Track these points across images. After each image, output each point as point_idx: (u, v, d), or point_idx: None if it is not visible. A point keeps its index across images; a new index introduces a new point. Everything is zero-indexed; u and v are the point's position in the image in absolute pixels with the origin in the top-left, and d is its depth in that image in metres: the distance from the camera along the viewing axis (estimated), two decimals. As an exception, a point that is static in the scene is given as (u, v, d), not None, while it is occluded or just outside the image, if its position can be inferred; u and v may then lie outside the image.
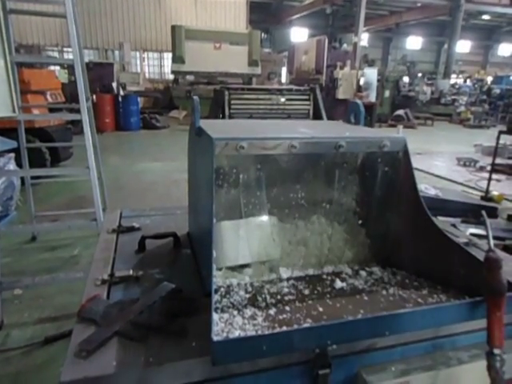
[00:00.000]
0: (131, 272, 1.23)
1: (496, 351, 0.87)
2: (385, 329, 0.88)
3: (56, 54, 17.95)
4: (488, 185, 6.13)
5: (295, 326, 0.90)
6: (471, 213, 5.10)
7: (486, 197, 6.02)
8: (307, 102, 5.26)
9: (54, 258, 3.93)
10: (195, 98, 1.18)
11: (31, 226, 4.19)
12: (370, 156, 1.29)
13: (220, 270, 1.20)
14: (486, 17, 25.84)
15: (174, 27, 14.55)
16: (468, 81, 23.27)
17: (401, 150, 1.19)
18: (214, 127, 1.18)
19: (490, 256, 0.89)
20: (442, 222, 1.82)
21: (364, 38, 23.12)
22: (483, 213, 0.93)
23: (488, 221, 0.92)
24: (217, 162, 1.08)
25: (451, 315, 0.94)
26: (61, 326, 2.74)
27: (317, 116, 5.04)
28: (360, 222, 1.34)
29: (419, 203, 1.16)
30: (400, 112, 15.73)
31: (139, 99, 13.46)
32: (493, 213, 5.25)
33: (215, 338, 0.76)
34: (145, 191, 6.15)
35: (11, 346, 2.59)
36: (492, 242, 0.90)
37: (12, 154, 4.57)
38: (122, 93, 13.00)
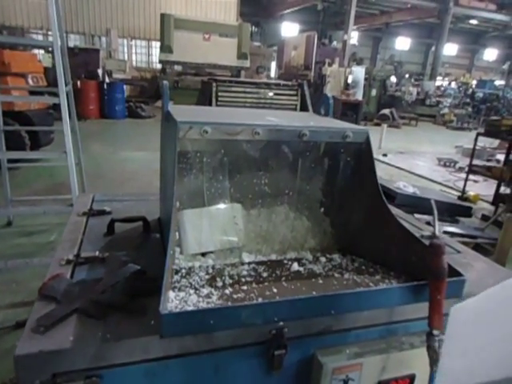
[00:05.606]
0: (97, 253, 1.23)
1: (435, 332, 0.92)
2: (330, 308, 0.91)
3: (40, 37, 17.46)
4: (464, 185, 6.29)
5: (244, 303, 0.93)
6: (447, 212, 5.25)
7: (463, 197, 6.19)
8: (295, 98, 5.26)
9: (30, 243, 3.88)
10: (165, 82, 1.19)
11: (5, 210, 4.12)
12: (334, 146, 1.31)
13: (184, 253, 1.22)
14: (473, 21, 26.25)
15: (162, 15, 14.29)
16: (453, 84, 23.69)
17: (363, 141, 1.23)
18: (183, 112, 1.19)
19: (434, 242, 0.93)
20: (408, 215, 1.88)
21: (354, 37, 23.25)
22: (432, 201, 0.97)
23: (436, 209, 0.97)
24: (181, 145, 1.10)
25: (395, 297, 0.98)
26: (33, 311, 2.72)
27: (304, 111, 5.05)
28: (323, 210, 1.38)
29: (378, 194, 1.20)
30: (386, 111, 15.91)
31: (125, 87, 13.25)
32: (468, 212, 5.40)
33: (163, 312, 0.78)
34: (127, 180, 6.09)
35: (-20, 329, 2.56)
36: (438, 228, 0.95)
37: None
38: (107, 80, 12.78)
